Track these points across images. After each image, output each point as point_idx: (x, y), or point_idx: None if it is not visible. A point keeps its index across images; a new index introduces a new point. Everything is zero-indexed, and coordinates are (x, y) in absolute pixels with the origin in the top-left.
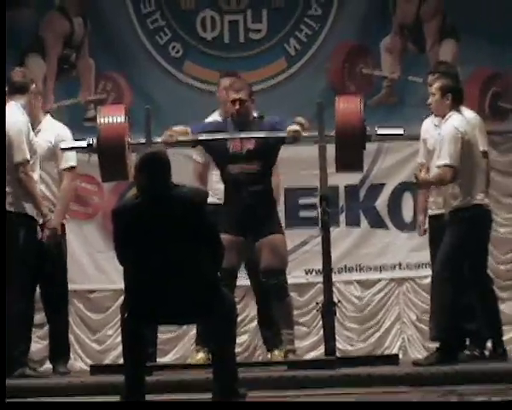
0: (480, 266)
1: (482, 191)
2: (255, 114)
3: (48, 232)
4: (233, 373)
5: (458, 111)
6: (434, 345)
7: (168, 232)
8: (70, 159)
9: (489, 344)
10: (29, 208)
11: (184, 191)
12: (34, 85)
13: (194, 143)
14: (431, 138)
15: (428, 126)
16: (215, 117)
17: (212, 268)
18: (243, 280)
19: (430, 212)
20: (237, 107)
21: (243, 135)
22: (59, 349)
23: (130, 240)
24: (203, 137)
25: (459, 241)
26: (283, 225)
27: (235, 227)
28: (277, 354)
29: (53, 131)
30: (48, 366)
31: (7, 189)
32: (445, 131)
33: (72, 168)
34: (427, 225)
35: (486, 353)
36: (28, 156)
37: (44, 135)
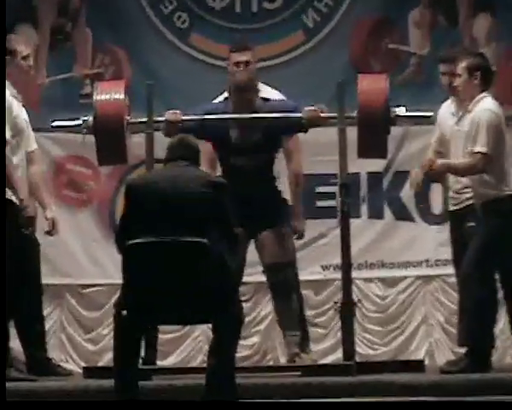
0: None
1: None
2: (263, 95)
3: (50, 224)
4: (227, 376)
5: (489, 95)
6: (463, 350)
7: (179, 220)
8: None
9: None
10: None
11: (206, 178)
12: (19, 58)
13: (200, 134)
14: (447, 127)
15: (445, 112)
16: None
17: (222, 264)
18: (254, 276)
19: (450, 207)
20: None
21: (250, 117)
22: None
23: (138, 222)
24: (209, 116)
25: (492, 236)
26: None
27: (238, 218)
28: (306, 358)
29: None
30: None
31: None
32: (480, 114)
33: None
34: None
35: None
36: (7, 135)
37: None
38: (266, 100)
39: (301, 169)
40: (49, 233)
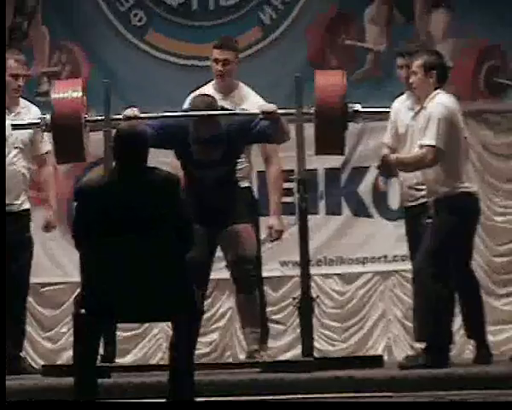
0: (464, 260)
1: (469, 178)
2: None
3: (48, 223)
4: (188, 374)
5: (443, 91)
6: (422, 346)
7: (135, 219)
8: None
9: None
10: None
11: (156, 175)
12: None
13: (160, 145)
14: (402, 122)
15: (400, 108)
16: (208, 89)
17: (181, 261)
18: (213, 273)
19: (406, 203)
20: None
21: (209, 115)
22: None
23: (91, 224)
24: (168, 113)
25: (445, 232)
26: (277, 205)
27: (199, 217)
28: (264, 354)
29: (30, 113)
30: None
31: None
32: (432, 108)
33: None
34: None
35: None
36: None
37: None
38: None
39: (280, 172)
40: (46, 230)
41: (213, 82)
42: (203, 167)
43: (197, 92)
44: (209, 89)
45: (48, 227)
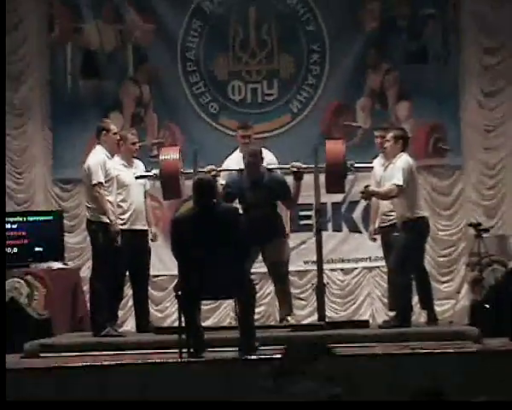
0: (419, 260)
1: (423, 207)
2: (265, 166)
3: (153, 235)
4: (252, 334)
5: (406, 153)
6: (393, 314)
7: (211, 236)
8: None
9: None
10: (104, 218)
11: (222, 208)
12: (111, 134)
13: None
14: (378, 174)
15: (377, 165)
16: (236, 154)
17: (241, 263)
18: (260, 269)
19: (381, 224)
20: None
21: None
22: (143, 314)
23: (184, 241)
24: (231, 167)
25: (409, 243)
26: (289, 229)
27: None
28: (290, 320)
29: (140, 168)
30: (125, 328)
31: (88, 204)
32: (399, 163)
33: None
34: (376, 236)
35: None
36: (101, 179)
37: (137, 171)
38: (269, 170)
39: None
40: (152, 241)
41: (239, 148)
42: (254, 206)
43: (233, 154)
44: (238, 153)
45: (155, 238)
